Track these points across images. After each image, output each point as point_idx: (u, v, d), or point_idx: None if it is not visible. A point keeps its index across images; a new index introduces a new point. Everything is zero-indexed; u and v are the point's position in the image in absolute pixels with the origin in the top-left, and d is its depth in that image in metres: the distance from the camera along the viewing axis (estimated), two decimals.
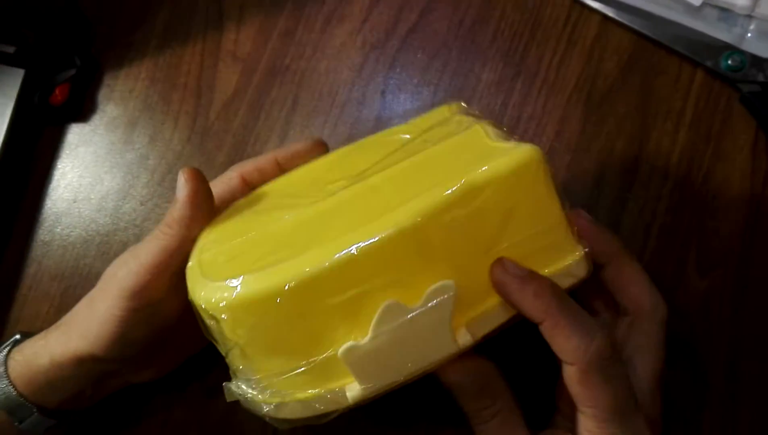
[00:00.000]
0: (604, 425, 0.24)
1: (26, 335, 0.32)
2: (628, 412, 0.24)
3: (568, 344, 0.24)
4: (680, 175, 0.36)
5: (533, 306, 0.24)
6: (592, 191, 0.36)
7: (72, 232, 0.39)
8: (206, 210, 0.28)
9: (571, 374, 0.24)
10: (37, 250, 0.39)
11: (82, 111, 0.40)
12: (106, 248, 0.38)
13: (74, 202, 0.39)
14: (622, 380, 0.24)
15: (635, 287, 0.28)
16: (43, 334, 0.30)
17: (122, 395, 0.33)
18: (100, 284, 0.29)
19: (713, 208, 0.35)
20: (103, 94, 0.40)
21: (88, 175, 0.40)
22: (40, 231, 0.39)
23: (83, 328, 0.29)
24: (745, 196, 0.35)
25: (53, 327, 0.30)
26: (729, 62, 0.36)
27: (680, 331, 0.34)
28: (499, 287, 0.24)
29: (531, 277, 0.24)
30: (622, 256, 0.28)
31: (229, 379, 0.27)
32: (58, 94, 0.39)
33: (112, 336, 0.28)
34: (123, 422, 0.35)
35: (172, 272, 0.28)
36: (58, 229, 0.39)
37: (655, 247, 0.35)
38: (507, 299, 0.24)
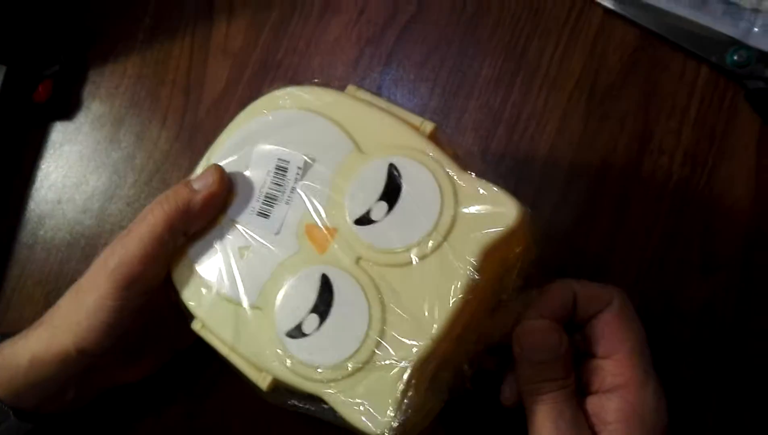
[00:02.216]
0: (636, 359, 0.26)
1: (4, 336, 0.30)
2: (649, 353, 0.26)
3: (602, 290, 0.26)
4: (684, 174, 0.35)
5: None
6: (594, 189, 0.35)
7: (56, 234, 0.37)
8: (212, 215, 0.28)
9: (607, 317, 0.26)
10: (20, 253, 0.37)
11: (67, 108, 0.39)
12: (91, 251, 0.37)
13: (58, 203, 0.38)
14: (640, 324, 0.27)
15: (584, 301, 0.28)
16: (23, 333, 0.29)
17: (107, 400, 0.32)
18: (88, 276, 0.28)
19: (717, 207, 0.34)
20: (88, 91, 0.39)
21: (72, 176, 0.38)
22: (23, 233, 0.38)
23: (69, 322, 0.27)
24: (750, 195, 0.34)
25: (34, 325, 0.29)
26: (735, 58, 0.35)
27: (683, 334, 0.33)
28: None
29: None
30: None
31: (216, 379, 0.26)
32: (42, 91, 0.38)
33: (102, 327, 0.27)
34: (107, 428, 0.34)
35: (164, 261, 0.27)
36: (42, 232, 0.38)
37: (657, 247, 0.34)
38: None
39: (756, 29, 0.35)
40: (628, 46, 0.36)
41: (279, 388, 0.27)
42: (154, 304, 0.28)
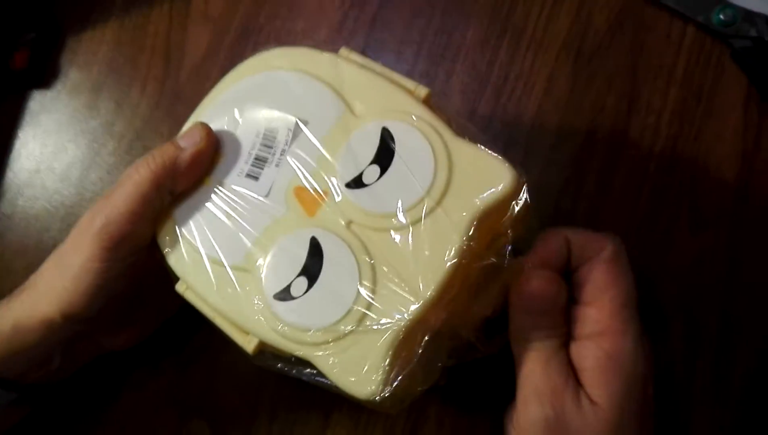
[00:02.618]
0: (617, 307, 0.25)
1: None
2: (635, 303, 0.26)
3: (596, 237, 0.26)
4: (671, 133, 0.35)
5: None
6: (582, 150, 0.35)
7: (35, 203, 0.36)
8: (199, 174, 0.27)
9: (596, 264, 0.26)
10: None
11: (44, 76, 0.38)
12: (71, 220, 0.36)
13: (37, 172, 0.37)
14: (630, 275, 0.26)
15: (578, 249, 0.27)
16: (4, 300, 0.28)
17: (92, 370, 0.32)
18: (72, 238, 0.27)
19: (705, 165, 0.34)
20: (65, 59, 0.38)
21: (50, 144, 0.37)
22: (1, 204, 0.37)
23: (54, 287, 0.27)
24: (737, 153, 0.34)
25: (17, 292, 0.28)
26: (721, 17, 0.35)
27: (672, 291, 0.33)
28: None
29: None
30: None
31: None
32: (18, 59, 0.37)
33: (88, 291, 0.26)
34: (93, 399, 0.34)
35: (151, 220, 0.26)
36: (20, 202, 0.37)
37: (646, 206, 0.34)
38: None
39: None
40: (614, 7, 0.36)
41: (266, 352, 0.26)
42: (140, 268, 0.28)
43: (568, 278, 0.27)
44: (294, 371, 0.26)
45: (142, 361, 0.34)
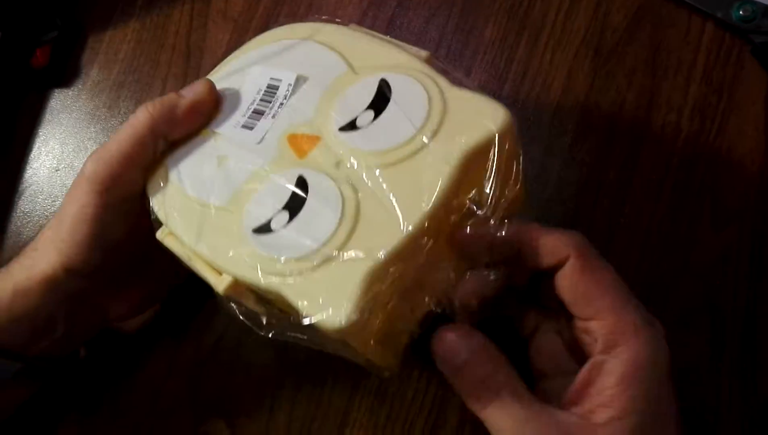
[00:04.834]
0: (624, 309, 0.23)
1: None
2: (628, 289, 0.24)
3: (557, 240, 0.23)
4: (692, 129, 0.35)
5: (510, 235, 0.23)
6: (602, 147, 0.35)
7: (55, 202, 0.37)
8: (197, 124, 0.27)
9: (574, 273, 0.23)
10: (17, 220, 0.37)
11: (65, 75, 0.38)
12: None
13: (56, 170, 0.37)
14: (608, 265, 0.24)
15: (530, 252, 0.24)
16: (4, 268, 0.28)
17: (110, 367, 0.32)
18: (68, 191, 0.27)
19: (727, 161, 0.34)
20: (86, 57, 0.38)
21: (71, 143, 0.37)
22: (21, 201, 0.37)
23: (52, 241, 0.26)
24: (759, 149, 0.34)
25: (16, 257, 0.28)
26: (740, 12, 0.35)
27: (696, 289, 0.32)
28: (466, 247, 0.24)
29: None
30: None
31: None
32: (39, 57, 0.37)
33: (86, 240, 0.26)
34: (110, 396, 0.33)
35: (144, 166, 0.26)
36: (40, 199, 0.37)
37: (668, 203, 0.34)
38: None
39: None
40: (632, 4, 0.36)
41: (237, 297, 0.25)
42: (138, 224, 0.27)
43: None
44: (264, 322, 0.25)
45: (161, 359, 0.33)
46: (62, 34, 0.38)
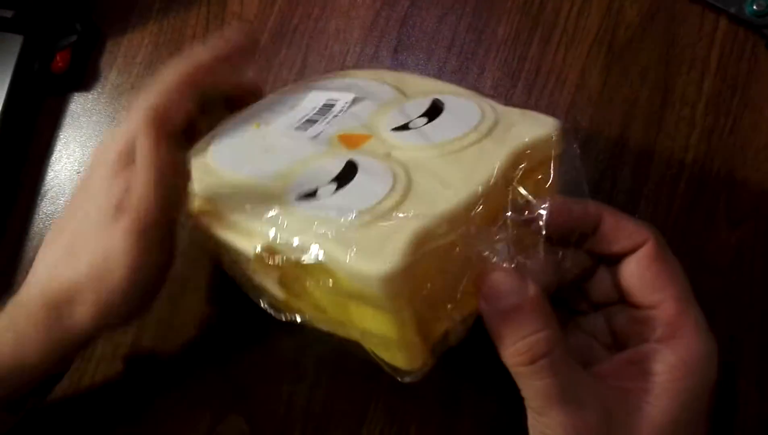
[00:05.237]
0: (688, 307, 0.23)
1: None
2: (694, 296, 0.24)
3: (633, 226, 0.24)
4: (707, 125, 0.35)
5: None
6: (616, 144, 0.35)
7: None
8: (237, 65, 0.28)
9: (644, 260, 0.23)
10: (39, 223, 0.37)
11: (84, 79, 0.39)
12: None
13: (77, 173, 0.38)
14: (680, 265, 0.24)
15: (611, 231, 0.24)
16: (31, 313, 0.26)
17: (130, 367, 0.32)
18: (128, 116, 0.26)
19: (742, 157, 0.34)
20: (105, 61, 0.39)
21: (91, 146, 0.38)
22: (43, 203, 0.38)
23: (90, 294, 0.25)
24: None
25: (42, 299, 0.26)
26: (754, 8, 0.35)
27: (712, 286, 0.32)
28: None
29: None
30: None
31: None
32: (59, 61, 0.38)
33: (125, 291, 0.25)
34: (130, 395, 0.34)
35: (195, 101, 0.25)
36: (61, 201, 0.37)
37: (683, 199, 0.34)
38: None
39: None
40: (646, 1, 0.36)
41: (264, 270, 0.24)
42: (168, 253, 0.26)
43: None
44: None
45: (181, 359, 0.34)
46: (81, 38, 0.38)
